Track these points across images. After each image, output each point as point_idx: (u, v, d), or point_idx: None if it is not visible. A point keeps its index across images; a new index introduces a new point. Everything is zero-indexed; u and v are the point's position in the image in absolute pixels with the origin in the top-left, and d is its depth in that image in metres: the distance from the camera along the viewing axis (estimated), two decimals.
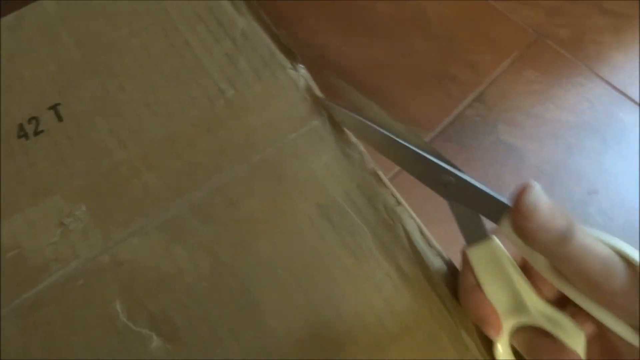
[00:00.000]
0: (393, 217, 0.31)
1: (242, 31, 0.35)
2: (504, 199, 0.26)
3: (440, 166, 0.29)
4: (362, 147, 0.33)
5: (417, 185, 0.30)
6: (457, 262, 0.31)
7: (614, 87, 0.81)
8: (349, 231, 0.31)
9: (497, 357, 0.29)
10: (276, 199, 0.31)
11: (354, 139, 0.33)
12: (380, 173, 0.32)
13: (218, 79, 0.34)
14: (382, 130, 0.31)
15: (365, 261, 0.30)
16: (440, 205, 0.30)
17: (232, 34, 0.35)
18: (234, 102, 0.33)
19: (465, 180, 0.28)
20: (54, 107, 0.33)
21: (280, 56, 0.35)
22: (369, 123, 0.31)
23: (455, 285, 0.31)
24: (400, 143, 0.30)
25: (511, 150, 0.76)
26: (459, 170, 0.29)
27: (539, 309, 0.27)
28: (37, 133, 0.32)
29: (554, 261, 0.25)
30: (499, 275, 0.27)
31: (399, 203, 0.32)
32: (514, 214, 0.24)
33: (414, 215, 0.32)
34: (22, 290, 0.29)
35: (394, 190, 0.32)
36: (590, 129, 0.78)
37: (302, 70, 0.35)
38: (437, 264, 0.31)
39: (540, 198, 0.24)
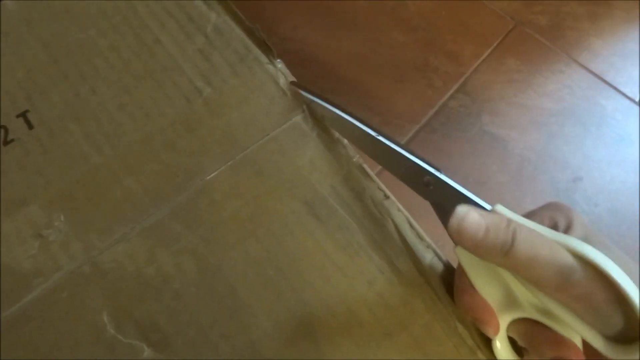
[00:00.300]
0: (382, 211, 0.31)
1: (215, 26, 0.35)
2: (482, 201, 0.27)
3: (420, 166, 0.29)
4: (345, 141, 0.33)
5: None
6: (448, 255, 0.31)
7: (593, 73, 0.82)
8: (338, 227, 0.31)
9: (497, 354, 0.29)
10: (261, 198, 0.31)
11: (336, 133, 0.33)
12: (366, 167, 0.32)
13: (193, 76, 0.33)
14: (361, 126, 0.31)
15: (357, 257, 0.30)
16: None
17: (204, 29, 0.35)
18: (211, 99, 0.33)
19: (444, 182, 0.28)
20: (23, 115, 0.32)
21: (256, 51, 0.35)
22: (348, 118, 0.31)
23: (448, 278, 0.31)
24: (380, 141, 0.30)
25: (495, 140, 0.76)
26: (439, 170, 0.29)
27: (531, 303, 0.27)
28: (6, 142, 0.31)
29: (508, 271, 0.26)
30: (490, 272, 0.27)
31: (386, 197, 0.32)
32: (451, 235, 0.25)
33: (402, 208, 0.32)
34: (3, 307, 0.28)
35: (381, 184, 0.32)
36: (571, 116, 0.79)
37: (280, 64, 0.34)
38: (428, 256, 0.31)
39: (466, 219, 0.25)
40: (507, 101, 0.80)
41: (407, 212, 0.31)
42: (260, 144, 0.32)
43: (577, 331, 0.24)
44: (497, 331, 0.28)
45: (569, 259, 0.23)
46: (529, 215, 0.27)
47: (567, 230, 0.26)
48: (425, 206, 0.29)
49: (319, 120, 0.33)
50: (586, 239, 0.25)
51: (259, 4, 0.85)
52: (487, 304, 0.28)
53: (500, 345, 0.28)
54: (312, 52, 0.82)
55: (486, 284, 0.28)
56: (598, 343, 0.23)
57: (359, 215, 0.31)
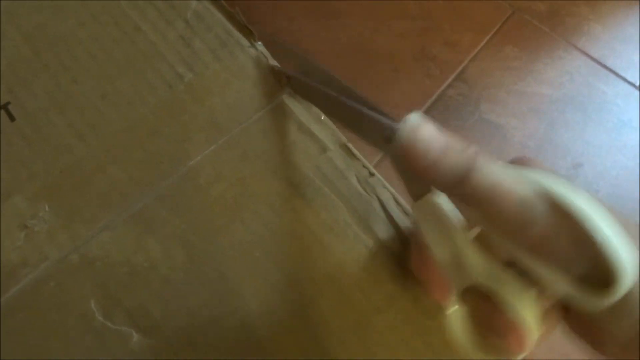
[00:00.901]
0: (367, 189, 0.32)
1: (195, 11, 0.36)
2: None
3: (380, 122, 0.27)
4: (329, 120, 0.34)
5: None
6: None
7: (593, 59, 0.84)
8: (324, 207, 0.32)
9: (448, 320, 0.27)
10: (246, 180, 0.32)
11: (319, 112, 0.34)
12: (350, 145, 0.33)
13: (175, 63, 0.35)
14: (327, 90, 0.30)
15: (344, 235, 0.31)
16: None
17: (184, 15, 0.36)
18: (193, 85, 0.34)
19: None
20: (4, 107, 0.33)
21: (237, 34, 0.36)
22: (329, 92, 0.31)
23: None
24: (343, 102, 0.29)
25: (495, 128, 0.78)
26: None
27: (484, 268, 0.25)
28: None
29: (459, 205, 0.23)
30: (442, 231, 0.25)
31: (372, 174, 0.33)
32: (397, 152, 0.23)
33: (388, 185, 0.33)
34: None
35: (366, 162, 0.33)
36: (571, 102, 0.80)
37: (261, 47, 0.36)
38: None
39: (421, 131, 0.22)
40: (506, 89, 0.81)
41: (392, 189, 0.33)
42: (243, 127, 0.33)
43: (542, 278, 0.22)
44: (443, 297, 0.28)
45: (530, 193, 0.21)
46: None
47: None
48: None
49: (301, 99, 0.35)
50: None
51: None
52: (436, 266, 0.26)
53: (452, 311, 0.27)
54: (308, 43, 0.84)
55: (438, 245, 0.26)
56: (566, 289, 0.21)
57: (345, 193, 0.32)
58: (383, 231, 0.32)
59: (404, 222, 0.32)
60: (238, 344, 0.29)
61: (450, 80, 0.82)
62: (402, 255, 0.31)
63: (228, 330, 0.29)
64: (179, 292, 0.30)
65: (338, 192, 0.32)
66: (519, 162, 0.25)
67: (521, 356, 0.24)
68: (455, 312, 0.27)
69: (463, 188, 0.22)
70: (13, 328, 0.29)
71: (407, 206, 0.33)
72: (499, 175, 0.21)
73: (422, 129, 0.23)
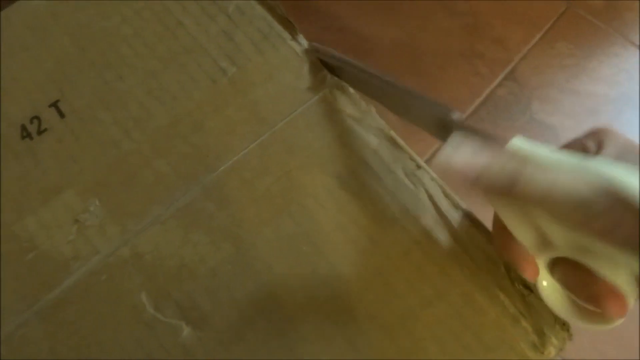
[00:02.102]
0: (414, 181, 0.35)
1: (237, 5, 0.39)
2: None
3: (440, 108, 0.30)
4: (374, 112, 0.37)
5: None
6: (487, 222, 0.34)
7: None
8: (371, 200, 0.34)
9: (544, 297, 0.30)
10: (292, 173, 0.35)
11: (364, 104, 0.37)
12: (396, 137, 0.36)
13: (218, 57, 0.37)
14: (380, 75, 0.34)
15: (391, 229, 0.34)
16: None
17: (226, 9, 0.39)
18: (236, 79, 0.37)
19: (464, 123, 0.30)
20: (54, 104, 0.36)
21: (279, 28, 0.38)
22: (373, 72, 0.34)
23: (486, 246, 0.33)
24: (397, 87, 0.33)
25: (547, 129, 0.79)
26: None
27: (569, 240, 0.26)
28: (40, 132, 0.36)
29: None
30: (521, 212, 0.27)
31: (418, 166, 0.35)
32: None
33: (436, 176, 0.35)
34: (44, 292, 0.32)
35: (413, 154, 0.35)
36: (629, 102, 0.81)
37: (303, 40, 0.38)
38: (464, 224, 0.34)
39: (455, 158, 0.26)
40: (559, 88, 0.82)
41: (441, 181, 0.35)
42: (287, 120, 0.36)
43: (618, 262, 0.24)
44: (534, 273, 0.29)
45: (586, 190, 0.23)
46: (563, 147, 0.28)
47: (597, 152, 0.26)
48: None
49: (347, 91, 0.37)
50: (621, 158, 0.25)
51: None
52: (522, 247, 0.29)
53: (546, 283, 0.30)
54: (355, 40, 0.86)
55: (518, 226, 0.28)
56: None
57: (391, 186, 0.34)
58: (431, 225, 0.34)
59: (452, 215, 0.34)
60: (285, 338, 0.32)
61: (499, 78, 0.84)
62: (451, 249, 0.34)
63: (275, 324, 0.32)
64: (226, 285, 0.33)
65: (384, 186, 0.35)
66: (592, 135, 0.27)
67: (620, 321, 0.27)
68: (548, 286, 0.30)
69: (513, 198, 0.24)
70: (66, 320, 0.32)
71: (457, 198, 0.35)
72: (552, 179, 0.24)
73: (456, 156, 0.26)
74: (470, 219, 0.34)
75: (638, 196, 0.22)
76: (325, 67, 0.37)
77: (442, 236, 0.34)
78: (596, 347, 0.66)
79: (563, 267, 0.28)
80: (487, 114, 0.80)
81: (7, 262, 0.33)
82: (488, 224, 0.33)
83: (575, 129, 0.78)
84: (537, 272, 0.30)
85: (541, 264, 0.29)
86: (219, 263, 0.33)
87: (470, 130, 0.29)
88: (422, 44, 0.86)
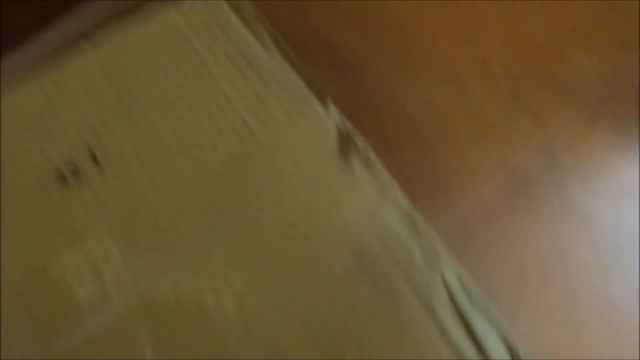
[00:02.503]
0: (431, 264, 0.35)
1: (270, 68, 0.40)
2: None
3: None
4: (397, 186, 0.37)
5: None
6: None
7: None
8: (388, 287, 0.35)
9: None
10: (309, 248, 0.36)
11: (387, 177, 0.38)
12: (417, 215, 0.36)
13: (247, 116, 0.39)
14: None
15: (409, 320, 0.34)
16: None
17: (259, 71, 0.40)
18: (263, 140, 0.38)
19: None
20: (90, 150, 0.38)
21: (309, 94, 0.40)
22: None
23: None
24: None
25: (583, 215, 0.77)
26: None
27: None
28: (74, 175, 0.38)
29: None
30: None
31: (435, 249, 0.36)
32: None
33: (455, 262, 0.36)
34: (56, 338, 0.34)
35: (433, 235, 0.36)
36: None
37: (332, 107, 0.39)
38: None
39: None
40: (600, 167, 0.80)
41: (460, 266, 0.35)
42: (311, 188, 0.37)
43: None
44: None
45: None
46: None
47: None
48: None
49: (371, 163, 0.38)
50: None
51: (338, 50, 0.91)
52: None
53: None
54: (384, 99, 0.87)
55: None
56: None
57: (407, 266, 0.35)
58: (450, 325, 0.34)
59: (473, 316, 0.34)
60: None
61: (532, 152, 0.83)
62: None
63: None
64: (231, 346, 0.34)
65: (399, 264, 0.35)
66: None
67: None
68: None
69: None
70: None
71: (477, 290, 0.35)
72: None
73: None
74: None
75: None
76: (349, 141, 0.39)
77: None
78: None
79: None
80: (514, 190, 0.80)
81: (24, 298, 0.35)
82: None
83: (616, 214, 0.76)
84: None
85: None
86: (225, 324, 0.34)
87: None
88: (456, 110, 0.86)
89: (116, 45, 0.42)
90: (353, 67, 0.92)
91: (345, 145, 0.38)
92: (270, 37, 0.42)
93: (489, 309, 0.34)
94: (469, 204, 0.78)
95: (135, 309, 0.34)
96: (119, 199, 0.37)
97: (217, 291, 0.35)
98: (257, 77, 0.40)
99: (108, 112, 0.40)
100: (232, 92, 0.40)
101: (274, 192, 0.37)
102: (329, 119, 0.39)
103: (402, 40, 0.95)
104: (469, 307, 0.34)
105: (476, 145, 0.84)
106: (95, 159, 0.38)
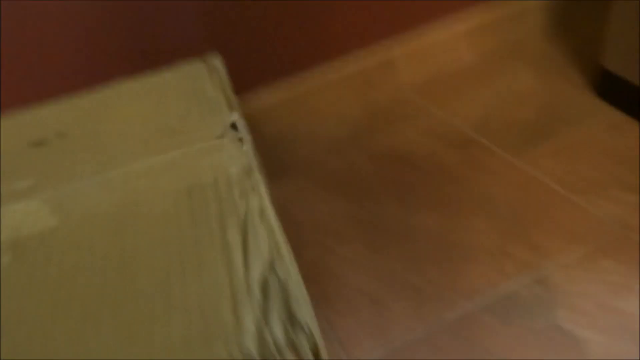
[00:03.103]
0: None
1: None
2: None
3: None
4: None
5: None
6: None
7: None
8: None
9: None
10: None
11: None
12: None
13: None
14: None
15: None
16: None
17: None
18: None
19: None
20: None
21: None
22: None
23: None
24: None
25: (571, 339, 0.76)
26: None
27: None
28: None
29: None
30: None
31: None
32: None
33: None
34: None
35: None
36: None
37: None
38: None
39: None
40: (596, 301, 0.80)
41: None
42: None
43: None
44: None
45: None
46: None
47: None
48: None
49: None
50: None
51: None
52: None
53: None
54: (389, 227, 0.90)
55: None
56: None
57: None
58: None
59: None
60: None
61: (526, 279, 0.83)
62: None
63: None
64: None
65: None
66: None
67: None
68: None
69: None
70: None
71: None
72: None
73: None
74: None
75: None
76: None
77: None
78: None
79: None
80: (501, 308, 0.79)
81: None
82: None
83: (607, 346, 0.75)
84: None
85: None
86: None
87: None
88: (454, 238, 0.89)
89: None
90: (366, 195, 0.97)
91: None
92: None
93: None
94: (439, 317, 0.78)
95: None
96: None
97: None
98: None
99: None
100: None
101: None
102: None
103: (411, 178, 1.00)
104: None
105: (467, 267, 0.85)
106: None
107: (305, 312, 0.34)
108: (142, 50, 1.01)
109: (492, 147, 1.06)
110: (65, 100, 0.59)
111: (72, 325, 0.35)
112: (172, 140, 0.48)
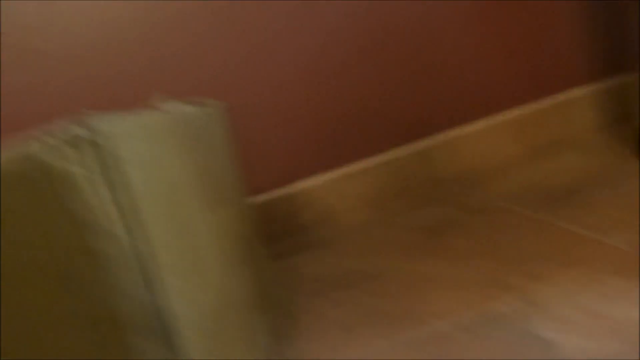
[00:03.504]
0: None
1: None
2: None
3: None
4: None
5: None
6: None
7: None
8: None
9: None
10: None
11: None
12: None
13: None
14: None
15: None
16: None
17: None
18: None
19: None
20: None
21: None
22: None
23: None
24: None
25: (544, 343, 0.75)
26: None
27: None
28: None
29: None
30: None
31: None
32: None
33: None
34: None
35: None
36: None
37: None
38: None
39: None
40: (585, 309, 0.79)
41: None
42: None
43: None
44: None
45: None
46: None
47: None
48: None
49: None
50: None
51: None
52: None
53: None
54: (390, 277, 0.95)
55: None
56: None
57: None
58: None
59: None
60: None
61: (508, 298, 0.85)
62: None
63: None
64: None
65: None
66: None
67: None
68: None
69: None
70: None
71: None
72: None
73: None
74: None
75: None
76: None
77: None
78: None
79: None
80: (473, 324, 0.80)
81: None
82: None
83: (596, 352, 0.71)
84: None
85: None
86: None
87: None
88: (441, 273, 0.93)
89: None
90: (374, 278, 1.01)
91: None
92: None
93: None
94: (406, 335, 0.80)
95: None
96: None
97: None
98: None
99: None
100: None
101: None
102: None
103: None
104: None
105: (446, 295, 0.88)
106: None
107: None
108: None
109: (515, 207, 1.11)
110: None
111: None
112: None
